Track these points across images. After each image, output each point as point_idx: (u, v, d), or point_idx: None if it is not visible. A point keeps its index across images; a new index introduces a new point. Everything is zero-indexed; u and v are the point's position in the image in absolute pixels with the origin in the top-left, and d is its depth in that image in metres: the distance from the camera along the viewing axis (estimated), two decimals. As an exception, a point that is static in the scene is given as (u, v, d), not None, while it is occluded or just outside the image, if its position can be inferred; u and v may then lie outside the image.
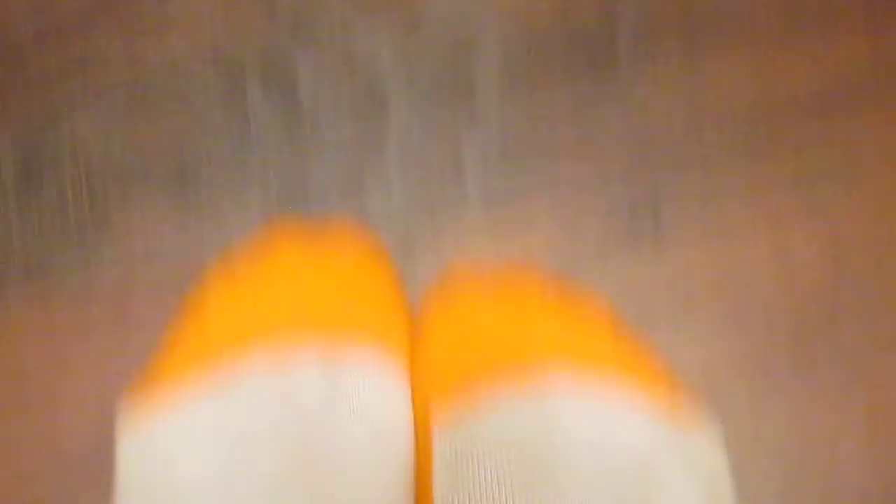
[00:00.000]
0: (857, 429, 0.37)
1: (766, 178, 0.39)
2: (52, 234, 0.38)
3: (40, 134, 0.39)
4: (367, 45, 0.39)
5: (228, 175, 0.39)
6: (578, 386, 0.31)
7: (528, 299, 0.33)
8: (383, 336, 0.32)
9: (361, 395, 0.30)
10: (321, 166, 0.39)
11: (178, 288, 0.38)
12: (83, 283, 0.37)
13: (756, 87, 0.39)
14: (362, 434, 0.29)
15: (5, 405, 0.36)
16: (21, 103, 0.39)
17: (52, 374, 0.36)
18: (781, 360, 0.38)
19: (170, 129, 0.39)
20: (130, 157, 0.39)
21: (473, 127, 0.39)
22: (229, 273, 0.34)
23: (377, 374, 0.31)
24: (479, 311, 0.33)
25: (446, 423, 0.31)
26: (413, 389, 0.34)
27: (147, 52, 0.39)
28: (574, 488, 0.28)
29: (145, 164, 0.38)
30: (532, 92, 0.39)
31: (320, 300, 0.32)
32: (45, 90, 0.39)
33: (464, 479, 0.30)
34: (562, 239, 0.38)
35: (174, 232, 0.38)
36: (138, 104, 0.39)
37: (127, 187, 0.38)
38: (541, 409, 0.30)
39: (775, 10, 0.39)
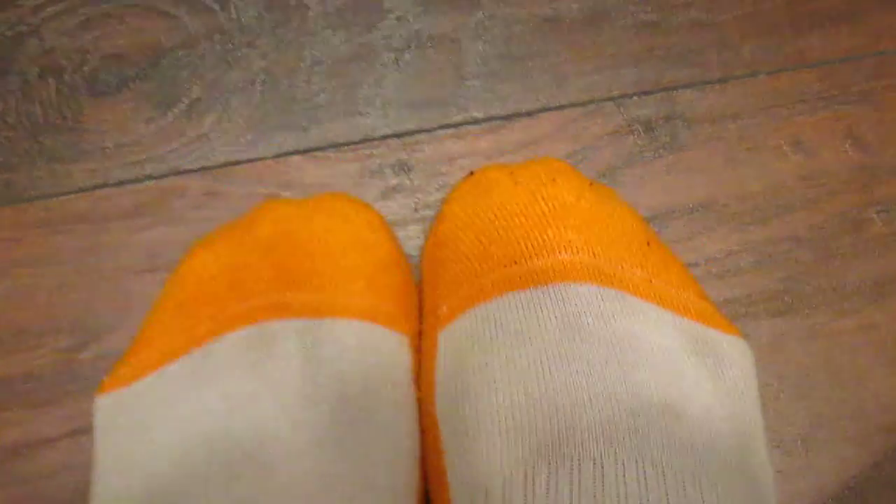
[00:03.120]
0: (887, 364, 0.35)
1: (791, 89, 0.36)
2: (21, 143, 0.35)
3: (6, 39, 0.36)
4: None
5: (212, 84, 0.36)
6: (601, 289, 0.29)
7: (560, 191, 0.31)
8: (376, 305, 0.30)
9: (342, 364, 0.28)
10: (312, 75, 0.36)
11: (155, 209, 0.35)
12: (57, 204, 0.35)
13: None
14: (341, 401, 0.28)
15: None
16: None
17: (20, 304, 0.34)
18: (805, 287, 0.35)
19: (146, 32, 0.36)
20: (106, 64, 0.36)
21: (476, 37, 0.36)
22: (211, 238, 0.32)
23: (362, 344, 0.29)
24: (505, 199, 0.31)
25: (453, 321, 0.30)
26: (423, 298, 0.33)
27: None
28: (588, 377, 0.27)
29: (122, 68, 0.36)
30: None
31: (304, 268, 0.30)
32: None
33: (467, 367, 0.29)
34: (573, 158, 0.36)
35: (153, 140, 0.36)
36: (114, 6, 0.36)
37: (100, 94, 0.35)
38: (559, 305, 0.29)
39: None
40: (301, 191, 0.35)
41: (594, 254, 0.30)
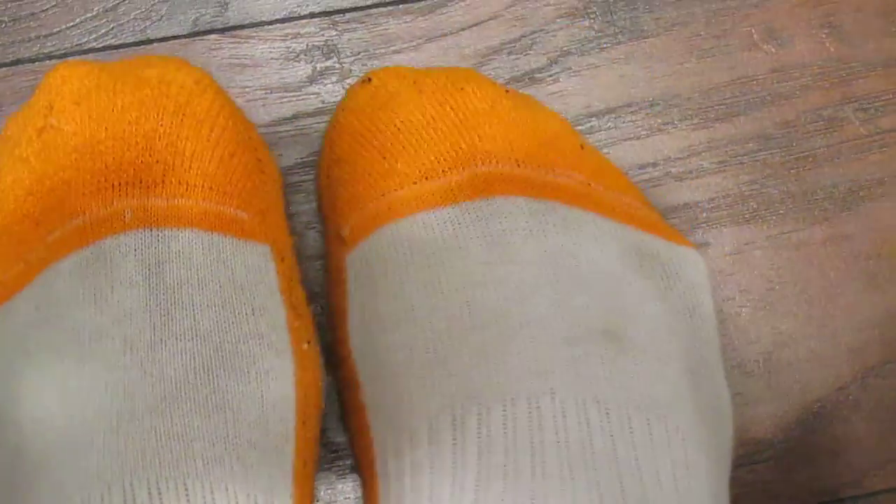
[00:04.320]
0: (859, 279, 0.32)
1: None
2: None
3: None
4: None
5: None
6: (530, 201, 0.26)
7: (471, 98, 0.28)
8: (221, 210, 0.26)
9: (191, 291, 0.25)
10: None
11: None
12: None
13: None
14: (194, 339, 0.24)
15: None
16: None
17: None
18: (773, 191, 0.33)
19: None
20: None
21: None
22: (11, 140, 0.27)
23: (212, 262, 0.25)
24: (410, 110, 0.27)
25: (360, 243, 0.27)
26: (325, 218, 0.29)
27: None
28: (518, 303, 0.24)
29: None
30: None
31: (132, 160, 0.25)
32: None
33: (379, 294, 0.25)
34: (521, 42, 0.32)
35: (54, 14, 0.32)
36: None
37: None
38: (482, 222, 0.26)
39: None
40: (217, 73, 0.32)
41: (518, 162, 0.27)
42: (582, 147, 0.29)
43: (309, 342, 0.27)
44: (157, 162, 0.25)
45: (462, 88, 0.28)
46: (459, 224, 0.26)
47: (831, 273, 0.32)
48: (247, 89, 0.32)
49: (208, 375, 0.24)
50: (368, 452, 0.26)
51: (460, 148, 0.27)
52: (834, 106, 0.33)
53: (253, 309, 0.25)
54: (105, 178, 0.25)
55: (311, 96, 0.32)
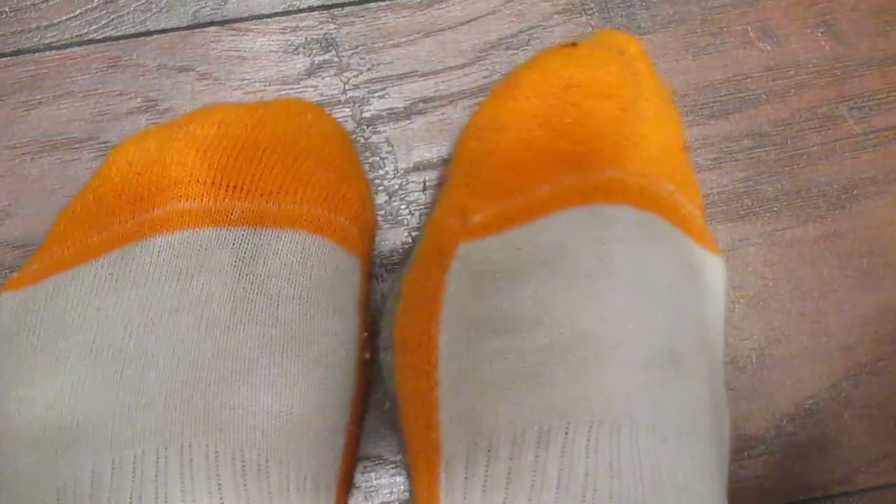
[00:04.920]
0: (852, 277, 0.32)
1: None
2: None
3: None
4: None
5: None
6: (640, 213, 0.26)
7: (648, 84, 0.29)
8: (330, 217, 0.27)
9: (280, 283, 0.25)
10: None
11: (56, 82, 0.32)
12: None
13: None
14: (274, 325, 0.25)
15: None
16: None
17: None
18: (767, 189, 0.33)
19: None
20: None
21: None
22: (144, 133, 0.28)
23: (307, 260, 0.26)
24: (583, 87, 0.27)
25: (485, 237, 0.26)
26: (446, 188, 0.29)
27: None
28: (611, 322, 0.24)
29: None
30: None
31: (249, 172, 0.26)
32: None
33: (486, 296, 0.25)
34: (519, 38, 0.33)
35: (55, 5, 0.32)
36: None
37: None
38: (595, 229, 0.26)
39: None
40: (217, 66, 0.32)
41: (640, 172, 0.27)
42: (683, 150, 0.29)
43: (368, 355, 0.28)
44: (277, 175, 0.27)
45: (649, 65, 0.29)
46: (579, 224, 0.25)
47: (824, 270, 0.32)
48: (245, 81, 0.32)
49: (282, 358, 0.24)
50: (432, 452, 0.25)
51: (618, 138, 0.27)
52: (828, 104, 0.33)
53: (335, 309, 0.26)
54: (220, 178, 0.26)
55: (310, 89, 0.32)
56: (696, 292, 0.27)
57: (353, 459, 0.27)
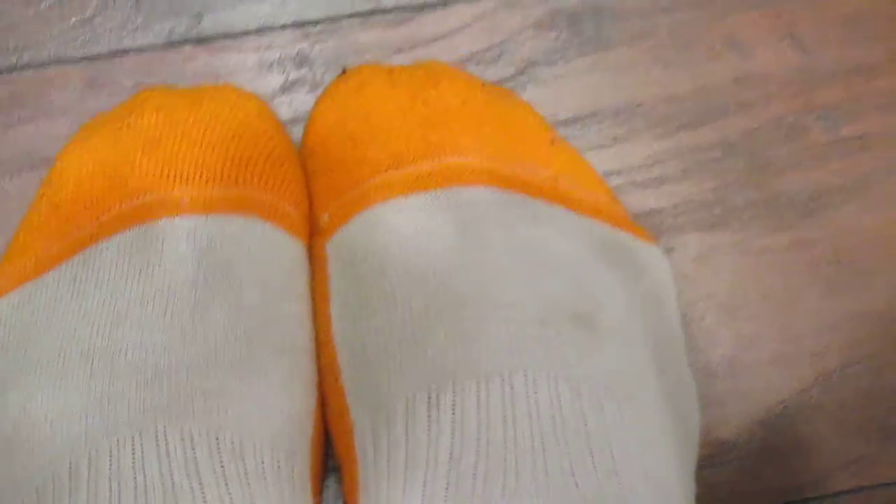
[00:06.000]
0: (820, 285, 0.33)
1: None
2: None
3: None
4: None
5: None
6: (500, 192, 0.27)
7: (444, 94, 0.28)
8: (275, 203, 0.28)
9: (240, 270, 0.26)
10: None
11: (33, 101, 0.32)
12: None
13: None
14: (237, 311, 0.25)
15: None
16: None
17: None
18: (736, 198, 0.33)
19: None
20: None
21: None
22: (86, 132, 0.29)
23: (262, 247, 0.27)
24: (381, 101, 0.29)
25: (339, 230, 0.28)
26: (310, 205, 0.30)
27: None
28: (491, 286, 0.25)
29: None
30: None
31: (193, 158, 0.27)
32: None
33: (360, 278, 0.27)
34: (489, 53, 0.33)
35: (31, 25, 0.33)
36: None
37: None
38: (455, 210, 0.27)
39: None
40: (193, 83, 0.32)
41: (489, 156, 0.28)
42: (552, 143, 0.30)
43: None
44: (220, 159, 0.27)
45: (436, 84, 0.29)
46: (433, 211, 0.26)
47: (794, 278, 0.33)
48: (221, 99, 0.32)
49: (248, 343, 0.25)
50: (348, 438, 0.26)
51: (430, 139, 0.27)
52: (796, 114, 0.34)
53: (295, 295, 0.27)
54: (166, 168, 0.27)
55: (283, 105, 0.32)
56: (614, 269, 0.27)
57: (322, 444, 0.27)
